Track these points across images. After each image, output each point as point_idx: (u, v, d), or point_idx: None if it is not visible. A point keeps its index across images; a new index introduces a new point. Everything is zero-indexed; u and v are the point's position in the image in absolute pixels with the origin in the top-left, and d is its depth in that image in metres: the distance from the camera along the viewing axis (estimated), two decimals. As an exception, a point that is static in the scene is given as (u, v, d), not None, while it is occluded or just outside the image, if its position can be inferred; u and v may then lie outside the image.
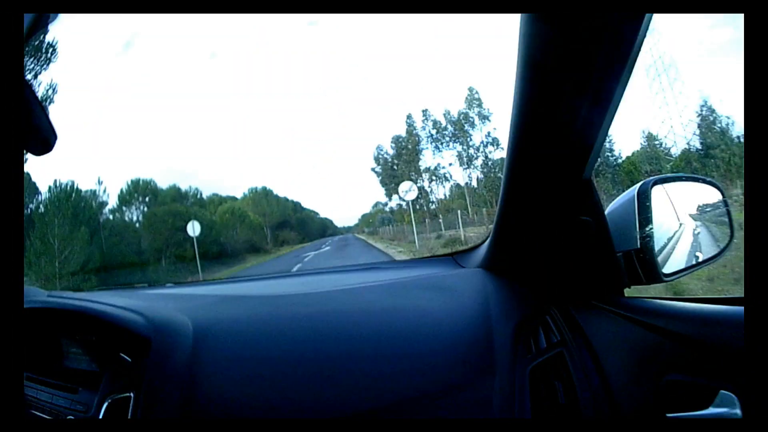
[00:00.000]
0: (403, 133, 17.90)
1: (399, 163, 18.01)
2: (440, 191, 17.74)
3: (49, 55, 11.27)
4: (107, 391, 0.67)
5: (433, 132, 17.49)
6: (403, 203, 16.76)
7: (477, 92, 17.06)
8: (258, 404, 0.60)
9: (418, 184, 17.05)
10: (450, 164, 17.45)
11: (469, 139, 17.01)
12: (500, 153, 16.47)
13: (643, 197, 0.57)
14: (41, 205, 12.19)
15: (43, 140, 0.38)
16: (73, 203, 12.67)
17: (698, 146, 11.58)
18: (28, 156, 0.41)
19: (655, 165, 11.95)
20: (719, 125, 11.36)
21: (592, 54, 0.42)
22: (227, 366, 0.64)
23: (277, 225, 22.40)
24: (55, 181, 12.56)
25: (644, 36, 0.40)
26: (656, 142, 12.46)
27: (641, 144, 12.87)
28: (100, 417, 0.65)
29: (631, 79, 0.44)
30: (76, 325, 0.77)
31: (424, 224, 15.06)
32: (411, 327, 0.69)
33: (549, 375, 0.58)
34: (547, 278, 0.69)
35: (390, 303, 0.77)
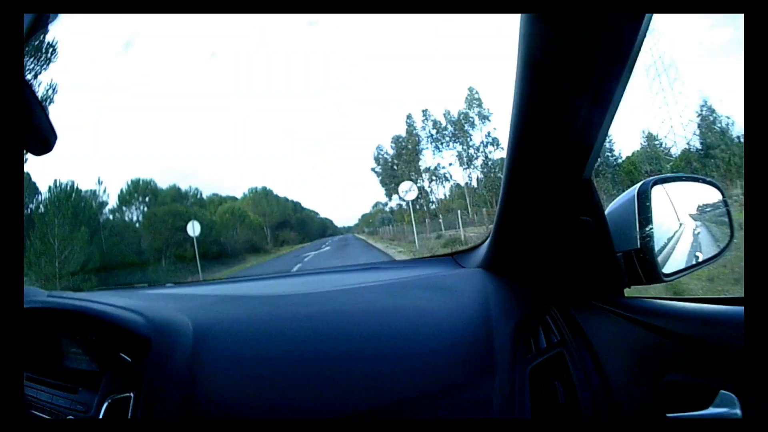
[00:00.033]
0: (403, 133, 17.93)
1: (399, 163, 18.01)
2: (440, 191, 17.77)
3: (49, 55, 11.28)
4: (107, 391, 0.67)
5: (433, 132, 17.51)
6: (403, 203, 16.77)
7: (477, 92, 17.09)
8: (258, 404, 0.60)
9: (418, 184, 17.06)
10: (450, 164, 17.49)
11: (469, 139, 17.03)
12: (500, 153, 16.50)
13: (643, 197, 0.57)
14: (41, 205, 12.21)
15: (43, 140, 0.38)
16: (73, 203, 12.67)
17: (698, 146, 11.59)
18: (28, 156, 0.41)
19: (655, 165, 11.94)
20: (719, 125, 11.37)
21: (592, 54, 0.42)
22: (227, 366, 0.64)
23: (277, 225, 22.39)
24: (55, 181, 12.59)
25: (644, 36, 0.40)
26: (656, 142, 12.46)
27: (641, 144, 12.89)
28: (100, 417, 0.65)
29: (631, 79, 0.44)
30: (76, 325, 0.77)
31: (424, 224, 15.06)
32: (411, 327, 0.69)
33: (549, 375, 0.58)
34: (547, 278, 0.69)
35: (390, 303, 0.77)
